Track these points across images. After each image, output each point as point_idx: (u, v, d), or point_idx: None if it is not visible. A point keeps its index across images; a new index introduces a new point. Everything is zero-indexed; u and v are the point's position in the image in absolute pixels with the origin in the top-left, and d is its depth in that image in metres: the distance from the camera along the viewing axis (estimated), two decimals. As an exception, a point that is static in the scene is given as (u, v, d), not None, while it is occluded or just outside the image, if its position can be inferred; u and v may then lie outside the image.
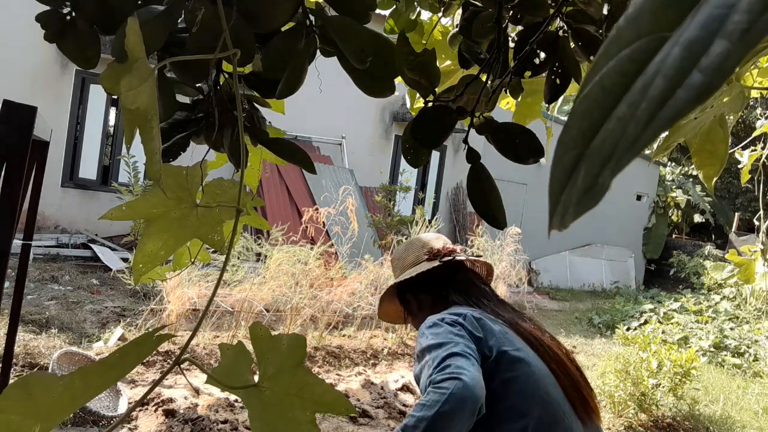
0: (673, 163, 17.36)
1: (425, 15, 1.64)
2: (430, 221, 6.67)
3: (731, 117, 1.32)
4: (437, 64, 0.98)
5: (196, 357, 4.43)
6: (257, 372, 0.57)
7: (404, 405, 4.19)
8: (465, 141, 0.96)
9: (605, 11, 1.15)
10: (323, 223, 6.50)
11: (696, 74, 0.23)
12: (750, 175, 2.62)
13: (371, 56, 0.88)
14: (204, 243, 0.75)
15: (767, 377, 6.07)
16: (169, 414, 3.47)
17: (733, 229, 13.52)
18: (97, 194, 8.70)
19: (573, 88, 1.25)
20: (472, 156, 0.97)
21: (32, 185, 2.07)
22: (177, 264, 1.26)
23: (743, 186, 14.73)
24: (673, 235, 16.38)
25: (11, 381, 2.14)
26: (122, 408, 3.40)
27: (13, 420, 0.46)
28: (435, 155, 11.66)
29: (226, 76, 1.01)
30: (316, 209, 6.40)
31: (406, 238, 6.40)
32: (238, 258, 5.50)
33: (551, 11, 1.10)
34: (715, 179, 1.30)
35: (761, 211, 3.02)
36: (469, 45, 1.15)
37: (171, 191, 0.71)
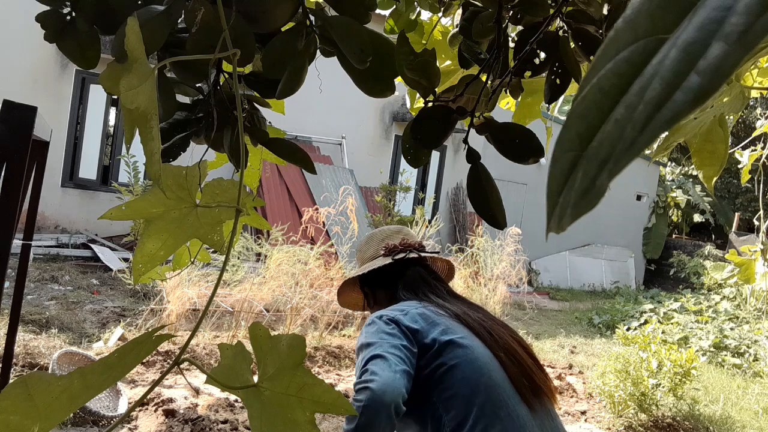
0: (673, 163, 17.35)
1: (425, 15, 1.64)
2: (430, 221, 6.67)
3: (731, 117, 1.32)
4: (437, 64, 0.98)
5: (196, 357, 4.43)
6: (257, 372, 0.57)
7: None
8: (465, 141, 0.96)
9: (605, 11, 1.15)
10: (323, 223, 6.50)
11: (694, 77, 0.23)
12: (750, 175, 2.62)
13: (371, 56, 0.88)
14: (204, 243, 0.75)
15: (767, 377, 6.07)
16: (169, 414, 3.47)
17: (733, 229, 13.52)
18: (97, 194, 8.70)
19: (573, 88, 1.25)
20: (472, 156, 0.97)
21: (32, 185, 2.07)
22: (177, 264, 1.26)
23: (743, 186, 14.73)
24: (673, 235, 16.38)
25: (11, 381, 2.14)
26: (122, 408, 3.39)
27: (12, 420, 0.46)
28: (435, 155, 11.66)
29: (226, 76, 1.01)
30: (316, 209, 6.40)
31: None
32: (238, 258, 5.50)
33: (551, 11, 1.10)
34: (715, 179, 1.30)
35: (761, 211, 3.02)
36: (469, 45, 1.15)
37: (171, 191, 0.71)
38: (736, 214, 14.02)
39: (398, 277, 1.53)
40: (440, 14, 1.54)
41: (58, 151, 8.20)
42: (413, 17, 1.58)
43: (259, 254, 6.07)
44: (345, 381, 4.62)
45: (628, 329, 6.42)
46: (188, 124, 1.03)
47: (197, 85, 1.06)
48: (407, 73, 0.94)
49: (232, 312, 4.98)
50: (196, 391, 3.86)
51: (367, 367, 1.24)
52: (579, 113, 0.27)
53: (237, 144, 0.99)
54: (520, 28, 1.17)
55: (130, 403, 3.51)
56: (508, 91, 1.20)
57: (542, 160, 0.90)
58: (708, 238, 16.83)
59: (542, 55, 1.14)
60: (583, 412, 4.59)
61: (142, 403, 3.20)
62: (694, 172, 15.08)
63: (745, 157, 2.70)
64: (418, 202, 11.09)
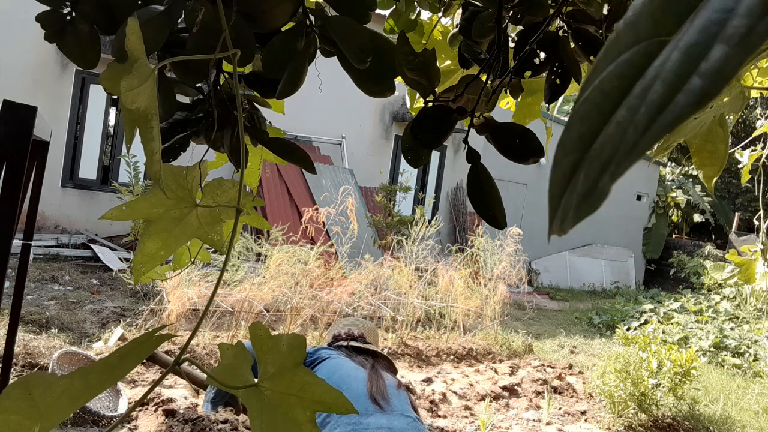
0: (673, 163, 17.36)
1: (425, 15, 1.64)
2: (430, 221, 6.67)
3: (731, 117, 1.32)
4: (437, 64, 0.98)
5: (196, 357, 4.43)
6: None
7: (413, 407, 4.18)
8: (465, 141, 0.96)
9: (605, 11, 1.15)
10: (323, 223, 6.50)
11: (695, 79, 0.23)
12: (750, 175, 2.62)
13: (371, 56, 0.88)
14: (204, 243, 0.75)
15: (767, 377, 6.07)
16: (169, 414, 3.47)
17: (733, 229, 13.52)
18: (97, 194, 8.70)
19: (573, 88, 1.25)
20: (472, 156, 0.97)
21: (32, 185, 2.07)
22: (177, 263, 1.26)
23: (743, 186, 14.73)
24: (673, 235, 16.39)
25: (11, 381, 2.14)
26: (122, 408, 3.39)
27: (13, 420, 0.46)
28: (435, 155, 11.66)
29: (226, 76, 1.01)
30: (316, 209, 6.40)
31: (406, 238, 6.41)
32: (238, 258, 5.50)
33: (551, 11, 1.10)
34: (715, 179, 1.30)
35: (761, 211, 3.02)
36: (469, 45, 1.15)
37: (171, 191, 0.71)
38: (736, 214, 14.02)
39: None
40: (440, 14, 1.54)
41: (58, 151, 8.20)
42: (413, 17, 1.58)
43: (259, 254, 6.08)
44: (345, 381, 4.62)
45: (628, 329, 6.42)
46: (188, 124, 1.03)
47: (197, 85, 1.06)
48: (407, 73, 0.94)
49: (232, 312, 4.98)
50: (196, 391, 3.85)
51: None
52: (581, 115, 0.27)
53: (237, 144, 0.99)
54: (520, 28, 1.17)
55: (130, 403, 3.51)
56: (508, 91, 1.20)
57: (542, 160, 0.90)
58: (708, 238, 16.83)
59: (542, 55, 1.14)
60: (583, 412, 4.59)
61: (142, 403, 3.19)
62: (694, 172, 15.10)
63: (745, 157, 2.70)
64: (418, 202, 11.09)
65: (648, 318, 8.49)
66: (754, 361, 6.69)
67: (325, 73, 1.84)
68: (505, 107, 1.81)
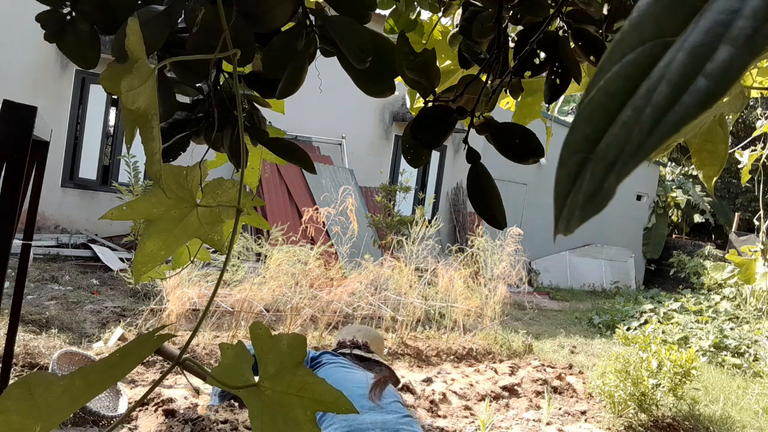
0: (673, 163, 17.35)
1: (425, 15, 1.64)
2: (430, 221, 6.67)
3: (731, 117, 1.32)
4: (437, 64, 0.98)
5: (196, 357, 4.43)
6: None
7: (404, 403, 4.18)
8: (465, 141, 0.96)
9: (605, 11, 1.15)
10: (323, 223, 6.50)
11: (701, 80, 0.23)
12: (750, 175, 2.62)
13: (371, 56, 0.88)
14: (204, 242, 0.75)
15: (767, 377, 6.07)
16: (169, 414, 3.47)
17: (733, 229, 13.52)
18: (97, 194, 8.70)
19: (573, 88, 1.25)
20: (472, 156, 0.97)
21: (32, 185, 2.07)
22: (177, 263, 1.26)
23: (743, 186, 14.73)
24: (673, 235, 16.38)
25: (11, 381, 2.14)
26: (122, 408, 3.40)
27: (13, 420, 0.46)
28: (435, 155, 11.66)
29: (226, 76, 1.01)
30: (316, 209, 6.40)
31: (406, 238, 6.41)
32: (238, 258, 5.50)
33: (551, 11, 1.10)
34: (715, 179, 1.30)
35: (761, 211, 3.02)
36: (469, 45, 1.15)
37: (171, 191, 0.71)
38: (736, 214, 14.02)
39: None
40: (440, 14, 1.54)
41: (58, 151, 8.20)
42: (413, 17, 1.58)
43: (259, 254, 6.07)
44: (345, 381, 4.62)
45: (628, 329, 6.42)
46: (188, 124, 1.03)
47: (197, 85, 1.06)
48: (407, 73, 0.94)
49: (232, 312, 4.98)
50: (197, 391, 3.86)
51: None
52: (586, 115, 0.27)
53: (237, 144, 0.99)
54: (520, 28, 1.17)
55: (130, 403, 3.51)
56: (508, 91, 1.20)
57: (542, 160, 0.90)
58: (708, 238, 16.83)
59: (542, 55, 1.14)
60: (583, 412, 4.59)
61: (142, 403, 3.19)
62: (694, 172, 15.09)
63: (745, 157, 2.70)
64: (418, 202, 11.09)
65: (648, 318, 8.49)
66: (754, 361, 6.69)
67: (325, 73, 1.84)
68: (505, 107, 1.81)
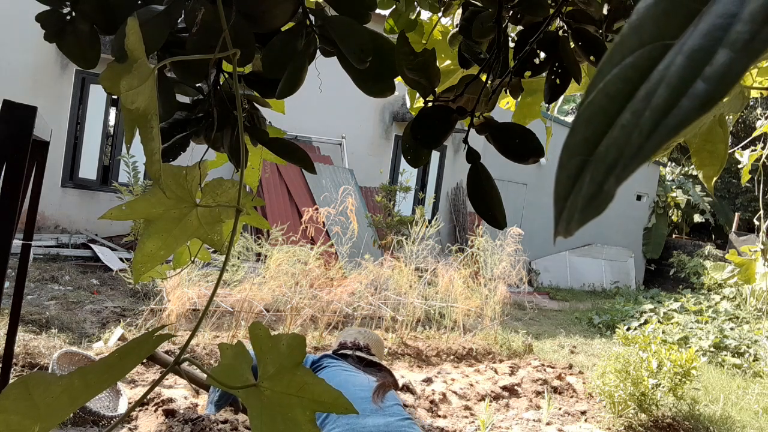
0: (673, 163, 17.35)
1: (425, 15, 1.64)
2: (430, 221, 6.67)
3: (731, 117, 1.32)
4: (437, 64, 0.98)
5: (196, 357, 4.43)
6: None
7: (404, 405, 4.18)
8: (465, 141, 0.96)
9: (605, 11, 1.15)
10: (323, 223, 6.50)
11: (700, 83, 0.23)
12: (750, 175, 2.62)
13: (371, 56, 0.88)
14: (204, 242, 0.75)
15: (767, 377, 6.07)
16: (169, 414, 3.47)
17: (733, 229, 13.52)
18: (97, 194, 8.70)
19: (573, 88, 1.25)
20: (472, 156, 0.97)
21: (32, 185, 2.07)
22: (177, 263, 1.26)
23: (743, 186, 14.73)
24: (673, 235, 16.38)
25: (11, 381, 2.14)
26: (122, 408, 3.39)
27: (13, 420, 0.46)
28: (435, 155, 11.66)
29: (226, 76, 1.01)
30: (316, 209, 6.40)
31: (406, 238, 6.41)
32: (238, 258, 5.50)
33: (551, 11, 1.10)
34: (715, 179, 1.30)
35: (761, 211, 3.02)
36: (469, 45, 1.15)
37: (171, 191, 0.71)
38: (736, 214, 14.02)
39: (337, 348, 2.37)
40: (440, 14, 1.54)
41: (58, 151, 8.20)
42: (413, 17, 1.57)
43: (259, 254, 6.07)
44: (345, 381, 4.62)
45: (628, 329, 6.42)
46: (188, 124, 1.03)
47: (197, 85, 1.06)
48: (407, 73, 0.94)
49: (232, 312, 4.98)
50: (196, 391, 3.85)
51: None
52: (586, 118, 0.27)
53: (237, 144, 0.99)
54: (520, 28, 1.17)
55: (130, 403, 3.50)
56: (508, 91, 1.20)
57: (542, 160, 0.90)
58: (708, 238, 16.83)
59: (542, 55, 1.14)
60: (583, 412, 4.59)
61: (142, 403, 3.20)
62: (694, 172, 15.08)
63: (745, 157, 2.70)
64: (418, 202, 11.09)
65: (648, 318, 8.49)
66: (754, 361, 6.69)
67: (325, 73, 1.84)
68: (505, 107, 1.81)
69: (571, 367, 5.85)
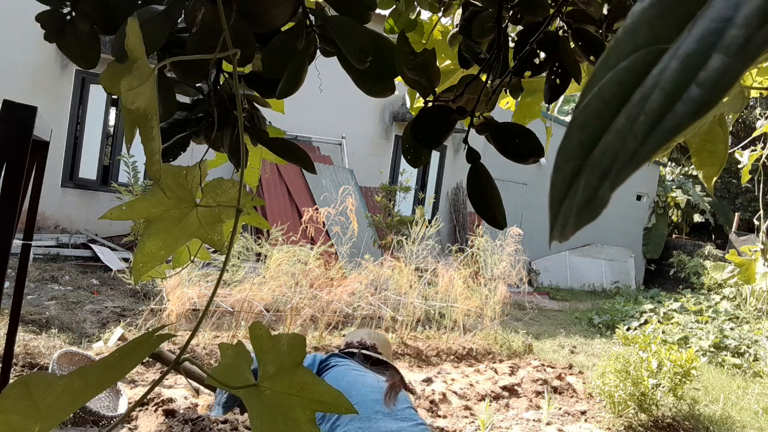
0: (673, 163, 17.35)
1: (425, 15, 1.64)
2: (430, 221, 6.67)
3: (731, 117, 1.32)
4: (437, 64, 0.98)
5: (196, 357, 4.43)
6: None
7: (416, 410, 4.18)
8: (465, 141, 0.96)
9: (605, 11, 1.15)
10: (323, 223, 6.50)
11: (694, 88, 0.23)
12: (750, 175, 2.62)
13: (371, 56, 0.88)
14: (204, 242, 0.75)
15: (767, 377, 6.07)
16: (169, 414, 3.47)
17: (733, 229, 13.52)
18: (97, 194, 8.70)
19: (573, 88, 1.25)
20: (472, 156, 0.97)
21: (32, 185, 2.07)
22: (177, 262, 1.26)
23: (743, 186, 14.73)
24: (673, 235, 16.38)
25: (11, 381, 2.14)
26: (122, 408, 3.39)
27: (13, 419, 0.46)
28: (435, 155, 11.66)
29: (226, 76, 1.01)
30: (316, 209, 6.40)
31: (406, 238, 6.41)
32: (238, 258, 5.50)
33: (551, 11, 1.10)
34: (714, 179, 1.30)
35: (761, 211, 3.02)
36: (469, 45, 1.15)
37: (171, 191, 0.71)
38: (736, 214, 14.02)
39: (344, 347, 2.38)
40: (440, 14, 1.54)
41: (58, 151, 8.20)
42: (413, 17, 1.57)
43: (259, 254, 6.07)
44: (345, 381, 4.62)
45: (628, 329, 6.42)
46: (188, 124, 1.03)
47: (197, 85, 1.06)
48: (407, 73, 0.94)
49: (232, 312, 4.98)
50: (196, 391, 3.85)
51: None
52: (581, 122, 0.27)
53: (237, 143, 0.99)
54: (520, 28, 1.17)
55: (130, 403, 3.50)
56: (508, 91, 1.20)
57: (542, 160, 0.90)
58: (708, 238, 16.83)
59: (542, 55, 1.14)
60: (583, 412, 4.59)
61: (142, 403, 3.20)
62: (694, 172, 15.08)
63: (745, 157, 2.70)
64: (418, 202, 11.09)
65: (648, 318, 8.49)
66: (754, 361, 6.69)
67: (325, 73, 1.84)
68: (505, 107, 1.81)
69: (571, 367, 5.85)
